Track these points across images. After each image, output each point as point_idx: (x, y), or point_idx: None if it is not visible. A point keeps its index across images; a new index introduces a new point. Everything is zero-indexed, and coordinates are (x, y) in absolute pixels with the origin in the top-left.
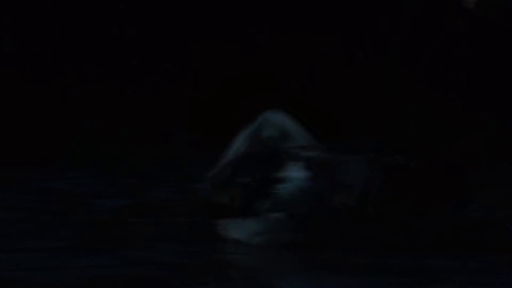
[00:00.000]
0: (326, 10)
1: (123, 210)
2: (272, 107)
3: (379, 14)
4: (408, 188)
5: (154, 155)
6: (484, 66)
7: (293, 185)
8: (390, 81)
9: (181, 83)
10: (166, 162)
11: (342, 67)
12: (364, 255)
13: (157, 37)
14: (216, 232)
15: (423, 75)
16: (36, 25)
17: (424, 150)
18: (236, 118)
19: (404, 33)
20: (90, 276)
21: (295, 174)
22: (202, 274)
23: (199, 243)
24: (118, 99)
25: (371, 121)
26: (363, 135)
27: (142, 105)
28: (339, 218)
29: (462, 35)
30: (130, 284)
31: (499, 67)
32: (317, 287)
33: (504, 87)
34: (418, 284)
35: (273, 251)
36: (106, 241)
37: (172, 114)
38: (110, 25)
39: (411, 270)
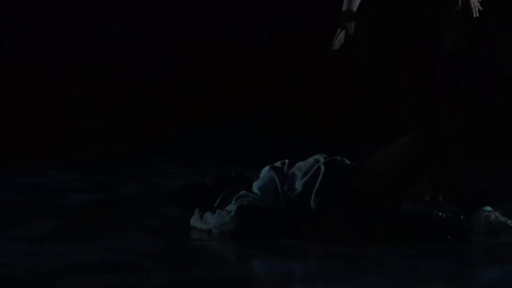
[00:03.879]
0: (326, 10)
1: (97, 204)
2: (272, 107)
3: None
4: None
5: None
6: (484, 67)
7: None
8: (390, 81)
9: (181, 83)
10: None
11: (342, 67)
12: (313, 243)
13: (157, 37)
14: (184, 223)
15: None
16: (36, 25)
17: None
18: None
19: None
20: (67, 262)
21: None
22: (171, 259)
23: (168, 233)
24: (118, 99)
25: (371, 121)
26: (363, 135)
27: (142, 105)
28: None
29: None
30: (105, 268)
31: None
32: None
33: (504, 87)
34: (359, 268)
35: (237, 239)
36: (81, 231)
37: (172, 114)
38: (110, 25)
39: (352, 257)
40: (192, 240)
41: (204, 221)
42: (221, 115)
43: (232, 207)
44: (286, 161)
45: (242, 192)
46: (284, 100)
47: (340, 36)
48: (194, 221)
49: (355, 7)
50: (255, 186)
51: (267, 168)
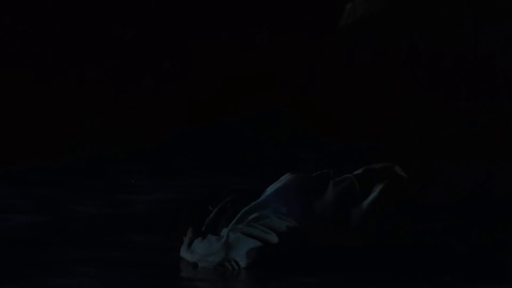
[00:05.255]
0: (326, 10)
1: (40, 228)
2: (272, 107)
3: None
4: None
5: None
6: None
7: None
8: (390, 81)
9: (181, 83)
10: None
11: (342, 67)
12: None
13: (157, 37)
14: (162, 254)
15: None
16: (36, 25)
17: (424, 150)
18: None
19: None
20: None
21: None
22: None
23: (137, 269)
24: (118, 99)
25: (371, 121)
26: (363, 135)
27: (142, 105)
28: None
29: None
30: None
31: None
32: None
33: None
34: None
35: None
36: (14, 267)
37: (172, 114)
38: (110, 25)
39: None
40: (173, 279)
41: (191, 250)
42: (221, 115)
43: (234, 234)
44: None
45: (246, 208)
46: (284, 100)
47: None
48: (182, 250)
49: None
50: (281, 189)
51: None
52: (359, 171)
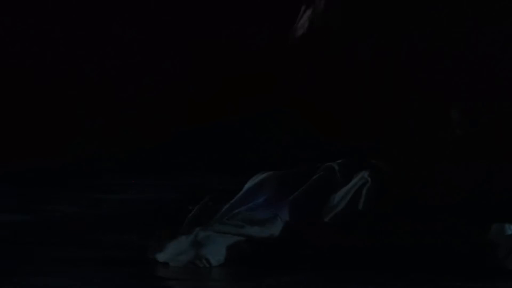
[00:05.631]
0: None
1: (21, 228)
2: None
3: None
4: None
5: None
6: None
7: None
8: (390, 81)
9: (181, 83)
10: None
11: (342, 67)
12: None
13: (157, 37)
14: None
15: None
16: (36, 25)
17: (424, 150)
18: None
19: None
20: None
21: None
22: None
23: (120, 269)
24: (118, 99)
25: (371, 121)
26: (363, 135)
27: (142, 105)
28: None
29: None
30: None
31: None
32: None
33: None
34: None
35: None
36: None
37: (172, 114)
38: (110, 25)
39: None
40: (146, 277)
41: (163, 250)
42: (221, 115)
43: (204, 232)
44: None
45: (226, 206)
46: (284, 100)
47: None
48: (155, 252)
49: None
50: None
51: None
52: (341, 160)
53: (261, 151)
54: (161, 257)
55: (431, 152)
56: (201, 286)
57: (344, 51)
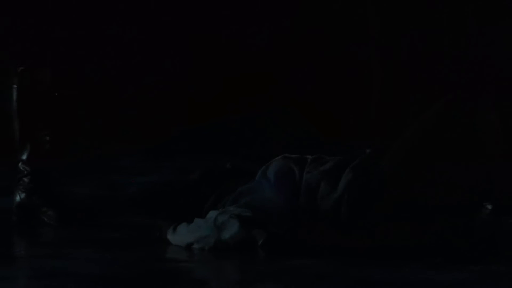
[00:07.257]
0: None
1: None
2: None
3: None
4: None
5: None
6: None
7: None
8: (390, 81)
9: (181, 83)
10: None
11: (342, 67)
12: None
13: (157, 37)
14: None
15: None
16: (36, 25)
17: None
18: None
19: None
20: None
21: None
22: (130, 282)
23: (130, 250)
24: (118, 99)
25: (371, 121)
26: (363, 135)
27: (142, 105)
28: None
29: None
30: None
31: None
32: None
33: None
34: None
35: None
36: (10, 246)
37: (172, 114)
38: (110, 25)
39: None
40: (164, 261)
41: (178, 234)
42: (221, 115)
43: (222, 216)
44: (309, 158)
45: (242, 189)
46: (284, 100)
47: None
48: (168, 234)
49: None
50: (271, 172)
51: (280, 157)
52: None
53: (261, 151)
54: (178, 240)
55: (431, 152)
56: (217, 268)
57: (344, 51)
